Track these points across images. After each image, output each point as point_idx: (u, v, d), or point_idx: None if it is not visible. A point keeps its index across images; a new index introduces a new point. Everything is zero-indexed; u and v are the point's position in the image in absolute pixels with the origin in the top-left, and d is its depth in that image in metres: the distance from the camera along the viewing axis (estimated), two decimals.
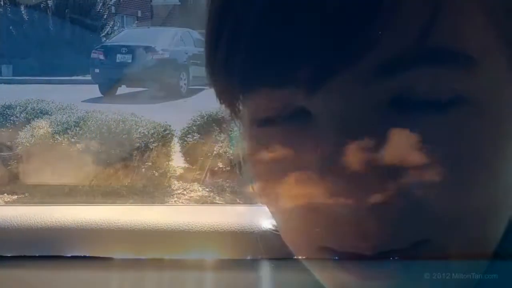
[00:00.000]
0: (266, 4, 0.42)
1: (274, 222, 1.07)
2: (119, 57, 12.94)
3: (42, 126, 5.44)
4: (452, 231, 0.43)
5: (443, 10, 0.40)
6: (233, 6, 0.45)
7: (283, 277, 0.75)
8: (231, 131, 5.56)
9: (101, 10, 19.66)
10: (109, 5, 20.20)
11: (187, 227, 0.91)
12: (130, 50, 12.98)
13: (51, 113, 6.09)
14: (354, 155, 0.41)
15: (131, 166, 5.23)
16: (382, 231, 0.43)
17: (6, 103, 6.40)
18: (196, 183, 5.51)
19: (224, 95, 0.49)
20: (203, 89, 12.99)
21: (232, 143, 5.48)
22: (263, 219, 0.89)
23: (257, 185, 0.50)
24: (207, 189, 5.34)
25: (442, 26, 0.40)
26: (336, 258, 0.46)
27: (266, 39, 0.42)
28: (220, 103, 0.50)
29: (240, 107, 0.50)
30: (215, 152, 5.60)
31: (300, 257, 0.50)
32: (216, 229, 0.91)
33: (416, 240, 0.43)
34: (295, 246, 0.50)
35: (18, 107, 6.27)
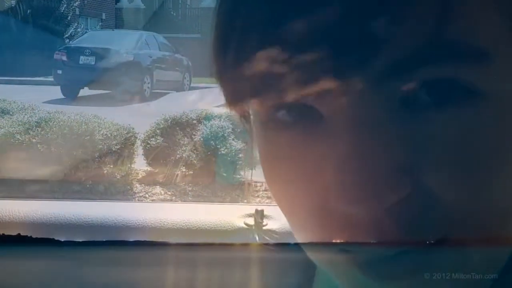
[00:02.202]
0: (274, 7, 0.42)
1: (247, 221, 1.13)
2: (82, 59, 12.80)
3: (3, 126, 5.36)
4: (471, 228, 0.43)
5: (455, 5, 0.40)
6: (242, 10, 0.45)
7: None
8: (194, 135, 5.57)
9: (65, 12, 19.44)
10: (73, 7, 19.99)
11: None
12: (94, 52, 12.85)
13: (12, 113, 6.00)
14: (368, 155, 0.41)
15: (93, 167, 5.18)
16: (399, 231, 0.43)
17: None
18: (158, 186, 5.47)
19: (233, 99, 0.49)
20: (167, 93, 12.95)
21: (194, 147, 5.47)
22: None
23: (270, 186, 0.50)
24: (169, 193, 5.31)
25: (455, 22, 0.40)
26: (351, 256, 0.45)
27: (275, 41, 0.42)
28: (229, 106, 0.50)
29: (250, 110, 0.50)
30: (178, 155, 5.58)
31: (315, 256, 0.50)
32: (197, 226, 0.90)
33: (434, 235, 0.43)
34: (310, 245, 0.50)
35: None
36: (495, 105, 0.42)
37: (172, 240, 0.91)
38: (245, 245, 0.56)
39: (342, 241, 0.45)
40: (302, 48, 0.41)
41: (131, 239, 0.92)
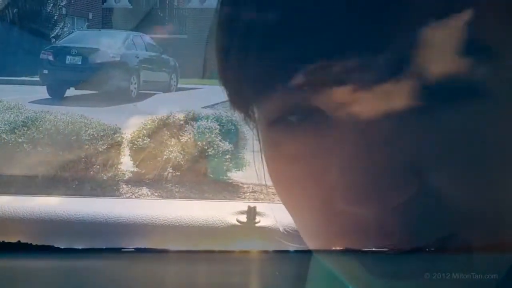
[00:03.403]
0: (277, 8, 0.42)
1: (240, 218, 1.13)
2: (69, 59, 12.77)
3: None
4: (478, 226, 0.43)
5: (458, 3, 0.40)
6: (244, 11, 0.45)
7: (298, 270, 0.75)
8: (182, 136, 5.56)
9: (51, 11, 19.37)
10: (59, 6, 19.92)
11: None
12: (80, 52, 12.82)
13: None
14: (374, 155, 0.41)
15: (79, 168, 5.16)
16: (405, 229, 0.42)
17: None
18: (145, 187, 5.46)
19: (237, 99, 0.49)
20: (154, 93, 12.94)
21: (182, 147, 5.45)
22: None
23: (276, 186, 0.50)
24: (156, 193, 5.29)
25: (459, 18, 0.39)
26: (358, 256, 0.45)
27: (279, 42, 0.42)
28: (233, 107, 0.50)
29: (254, 110, 0.49)
30: (165, 156, 5.56)
31: (323, 256, 0.50)
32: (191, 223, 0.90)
33: (442, 236, 0.43)
34: (317, 245, 0.50)
35: None
36: (502, 104, 0.42)
37: (170, 246, 0.90)
38: (245, 252, 0.56)
39: (348, 241, 0.45)
40: (307, 48, 0.41)
41: (121, 236, 0.92)
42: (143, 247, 0.87)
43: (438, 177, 0.42)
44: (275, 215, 1.06)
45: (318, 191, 0.45)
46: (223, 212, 1.04)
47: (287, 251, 0.75)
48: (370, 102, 0.41)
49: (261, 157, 0.53)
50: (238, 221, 1.06)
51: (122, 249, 0.87)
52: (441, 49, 0.39)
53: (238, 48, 0.45)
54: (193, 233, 0.91)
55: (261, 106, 0.48)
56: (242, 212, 1.07)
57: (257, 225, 1.06)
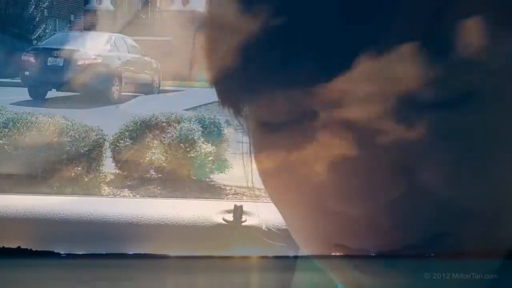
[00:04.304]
0: (270, 8, 0.41)
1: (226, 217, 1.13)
2: (50, 61, 12.73)
3: None
4: (469, 225, 0.43)
5: (449, 5, 0.39)
6: (235, 10, 0.44)
7: (292, 276, 0.75)
8: (164, 137, 5.55)
9: (33, 13, 19.30)
10: (41, 8, 19.85)
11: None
12: (62, 53, 12.79)
13: None
14: (367, 155, 0.41)
15: (60, 169, 5.13)
16: (396, 228, 0.42)
17: None
18: (127, 189, 5.45)
19: (228, 99, 0.48)
20: (136, 95, 12.93)
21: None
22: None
23: (266, 187, 0.50)
24: (138, 196, 5.28)
25: (449, 22, 0.39)
26: (349, 256, 0.45)
27: (272, 42, 0.41)
28: (222, 104, 0.49)
29: (245, 110, 0.49)
30: (147, 158, 5.55)
31: (313, 255, 0.49)
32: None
33: (432, 234, 0.43)
34: (307, 245, 0.50)
35: None
36: (492, 106, 0.41)
37: (155, 245, 0.89)
38: (245, 258, 0.55)
39: (339, 240, 0.45)
40: (298, 49, 0.41)
41: (106, 234, 0.91)
42: (140, 252, 0.86)
43: (428, 176, 0.41)
44: (261, 214, 1.06)
45: (308, 191, 0.45)
46: (209, 211, 1.03)
47: (286, 257, 0.75)
48: (360, 103, 0.41)
49: (250, 156, 0.52)
50: (224, 220, 1.06)
51: (121, 255, 0.86)
52: (430, 51, 0.39)
53: (227, 49, 0.44)
54: (179, 232, 0.91)
55: (253, 106, 0.47)
56: (228, 211, 1.07)
57: (243, 224, 1.06)
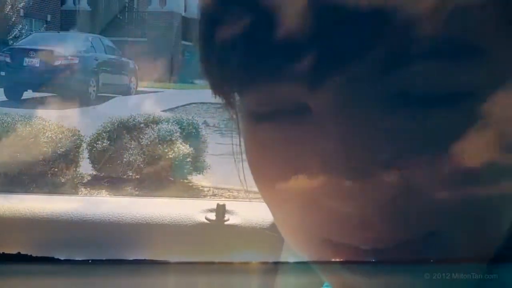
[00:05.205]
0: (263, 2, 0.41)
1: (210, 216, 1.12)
2: (27, 61, 12.62)
3: None
4: (458, 224, 0.43)
5: (448, 2, 0.39)
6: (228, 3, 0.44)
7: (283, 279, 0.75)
8: (142, 138, 5.53)
9: (9, 13, 19.12)
10: (17, 8, 19.67)
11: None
12: (38, 54, 12.69)
13: None
14: (357, 151, 0.41)
15: (37, 170, 5.10)
16: (384, 224, 0.42)
17: None
18: (104, 190, 5.42)
19: (219, 89, 0.48)
20: (113, 96, 12.87)
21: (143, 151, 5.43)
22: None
23: (256, 180, 0.49)
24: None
25: (449, 17, 0.39)
26: (337, 253, 0.45)
27: (264, 34, 0.41)
28: (214, 95, 0.49)
29: (237, 100, 0.49)
30: (125, 159, 5.53)
31: (306, 260, 0.49)
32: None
33: (421, 233, 0.43)
34: (295, 240, 0.49)
35: None
36: (487, 104, 0.41)
37: (137, 244, 0.89)
38: (245, 263, 0.55)
39: (327, 234, 0.45)
40: (290, 42, 0.40)
41: (86, 232, 0.90)
42: (121, 250, 0.86)
43: (419, 175, 0.41)
44: (244, 213, 1.06)
45: (298, 186, 0.45)
46: (192, 210, 1.03)
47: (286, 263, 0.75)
48: (353, 98, 0.41)
49: (240, 148, 0.52)
50: (207, 219, 1.06)
51: (120, 261, 0.86)
52: (424, 49, 0.39)
53: (220, 39, 0.44)
54: (162, 231, 0.91)
55: (244, 98, 0.47)
56: (211, 210, 1.07)
57: (226, 223, 1.06)
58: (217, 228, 1.04)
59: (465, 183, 0.42)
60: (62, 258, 0.61)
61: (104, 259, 0.82)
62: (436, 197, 0.41)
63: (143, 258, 0.84)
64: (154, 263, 0.67)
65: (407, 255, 0.43)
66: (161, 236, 0.91)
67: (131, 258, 0.82)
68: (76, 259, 0.81)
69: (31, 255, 0.63)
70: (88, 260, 0.63)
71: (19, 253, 0.65)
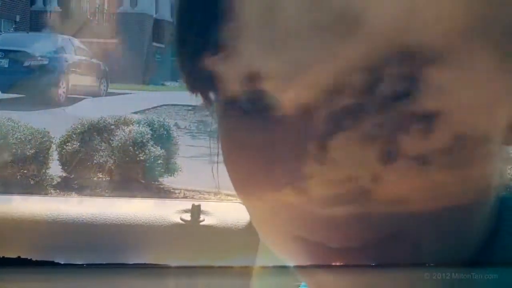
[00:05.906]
0: None
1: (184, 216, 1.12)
2: None
3: None
4: (426, 223, 0.43)
5: (411, 7, 0.39)
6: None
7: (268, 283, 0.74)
8: (112, 140, 5.50)
9: None
10: None
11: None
12: (7, 55, 12.60)
13: None
14: (327, 149, 0.40)
15: (6, 172, 5.05)
16: (353, 224, 0.42)
17: None
18: (74, 192, 5.38)
19: (195, 86, 0.48)
20: (83, 98, 12.79)
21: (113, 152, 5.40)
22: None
23: (231, 177, 0.49)
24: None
25: (410, 23, 0.39)
26: (311, 252, 0.45)
27: (238, 30, 0.41)
28: (191, 92, 0.49)
29: (213, 97, 0.48)
30: (95, 161, 5.50)
31: (281, 258, 0.49)
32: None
33: (389, 232, 0.42)
34: (270, 238, 0.49)
35: None
36: (451, 106, 0.41)
37: (111, 245, 0.88)
38: (245, 267, 0.55)
39: (297, 231, 0.45)
40: (259, 37, 0.40)
41: (62, 233, 0.89)
42: (96, 251, 0.85)
43: (389, 174, 0.41)
44: (219, 213, 1.05)
45: (273, 184, 0.44)
46: (167, 210, 1.02)
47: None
48: (325, 97, 0.41)
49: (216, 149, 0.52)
50: (182, 219, 1.05)
51: (120, 265, 0.85)
52: (393, 53, 0.39)
53: (197, 33, 0.44)
54: (137, 232, 0.90)
55: (220, 95, 0.47)
56: (186, 211, 1.06)
57: (201, 223, 1.05)
58: (192, 228, 1.03)
59: (430, 184, 0.41)
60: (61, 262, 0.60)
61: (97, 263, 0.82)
62: (402, 198, 0.41)
63: (143, 263, 0.83)
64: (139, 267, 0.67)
65: (375, 255, 0.43)
66: (135, 237, 0.90)
67: (104, 262, 0.82)
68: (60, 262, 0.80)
69: (30, 259, 0.62)
70: (83, 264, 0.62)
71: (19, 257, 0.65)
